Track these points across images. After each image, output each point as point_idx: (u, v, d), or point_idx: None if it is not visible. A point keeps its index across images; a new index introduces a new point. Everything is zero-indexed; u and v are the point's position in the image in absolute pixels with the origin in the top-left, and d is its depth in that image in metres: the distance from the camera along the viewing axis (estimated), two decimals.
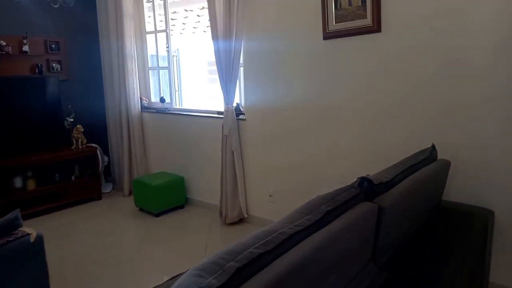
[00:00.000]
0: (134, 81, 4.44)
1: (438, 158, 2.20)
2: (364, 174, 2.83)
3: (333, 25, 2.78)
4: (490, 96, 2.21)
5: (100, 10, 4.58)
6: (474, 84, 2.25)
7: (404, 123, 2.56)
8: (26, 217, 3.90)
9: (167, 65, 4.46)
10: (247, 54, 3.40)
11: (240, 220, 3.67)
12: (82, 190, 4.35)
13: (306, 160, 3.12)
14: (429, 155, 2.10)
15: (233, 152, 3.51)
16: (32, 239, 1.96)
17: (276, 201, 3.43)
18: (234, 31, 3.27)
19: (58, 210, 4.14)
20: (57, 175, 4.21)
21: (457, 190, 2.38)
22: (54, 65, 4.49)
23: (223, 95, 3.50)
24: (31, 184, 4.00)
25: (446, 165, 2.14)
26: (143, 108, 4.62)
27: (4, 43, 4.01)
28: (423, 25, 2.38)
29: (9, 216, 2.04)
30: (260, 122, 3.40)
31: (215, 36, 3.40)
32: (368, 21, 2.60)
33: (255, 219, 3.61)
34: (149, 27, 4.61)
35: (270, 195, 3.46)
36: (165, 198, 3.93)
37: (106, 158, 4.85)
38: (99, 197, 4.51)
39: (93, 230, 3.62)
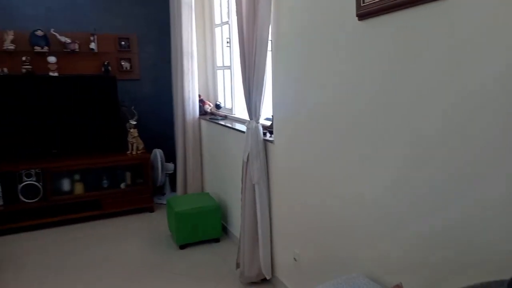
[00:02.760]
0: (190, 82, 3.81)
1: None
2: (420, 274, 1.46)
3: None
4: None
5: (172, 1, 4.10)
6: None
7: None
8: (69, 222, 3.75)
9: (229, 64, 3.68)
10: (276, 48, 2.32)
11: (263, 281, 2.62)
12: (133, 200, 3.99)
13: (347, 215, 1.87)
14: None
15: (254, 186, 2.49)
16: None
17: (301, 267, 2.26)
18: (259, 15, 2.24)
19: (103, 218, 3.88)
20: (106, 181, 3.95)
21: None
22: (123, 63, 4.25)
23: (246, 104, 2.50)
24: (79, 189, 3.82)
25: None
26: (203, 114, 3.97)
27: (69, 40, 3.92)
28: None
29: None
30: (291, 145, 2.26)
31: (240, 24, 2.43)
32: None
33: (282, 287, 2.51)
34: (219, 19, 3.91)
35: (294, 259, 2.31)
36: (193, 228, 3.18)
37: (171, 166, 4.41)
38: (151, 210, 4.09)
39: (106, 248, 3.16)
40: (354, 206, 1.75)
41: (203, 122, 3.88)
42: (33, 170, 3.60)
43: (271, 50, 2.36)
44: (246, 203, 2.54)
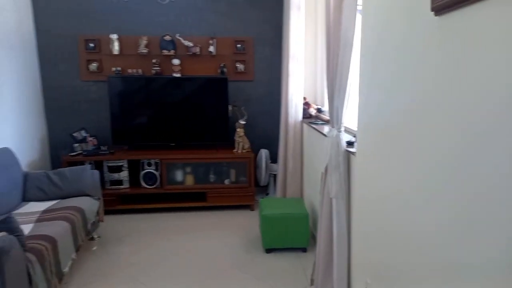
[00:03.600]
0: (294, 84, 3.73)
1: None
2: None
3: None
4: None
5: (285, 3, 4.09)
6: None
7: None
8: (178, 209, 4.12)
9: None
10: (362, 48, 2.06)
11: None
12: (235, 196, 4.15)
13: (432, 258, 1.56)
14: None
15: (331, 200, 2.29)
16: None
17: None
18: (344, 12, 2.04)
19: (206, 210, 4.14)
20: (212, 176, 4.19)
21: None
22: (238, 65, 4.43)
23: (328, 110, 2.31)
24: (189, 180, 4.15)
25: None
26: (307, 117, 3.85)
27: (191, 44, 4.27)
28: None
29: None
30: (375, 159, 1.98)
31: (327, 22, 2.25)
32: None
33: None
34: None
35: None
36: (279, 233, 3.12)
37: (276, 167, 4.42)
38: (251, 208, 4.19)
39: (200, 238, 3.35)
40: (444, 250, 1.43)
41: (305, 126, 3.76)
42: (153, 160, 4.06)
43: (360, 52, 2.12)
44: (323, 217, 2.36)
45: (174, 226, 3.74)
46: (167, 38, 4.24)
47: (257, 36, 4.42)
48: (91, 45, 4.27)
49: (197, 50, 4.29)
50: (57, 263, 2.44)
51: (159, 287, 2.68)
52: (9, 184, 3.05)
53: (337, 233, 2.26)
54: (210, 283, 2.73)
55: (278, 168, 4.05)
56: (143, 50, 4.24)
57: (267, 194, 4.55)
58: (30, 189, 3.16)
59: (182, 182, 4.15)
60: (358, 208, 2.18)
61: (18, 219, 2.73)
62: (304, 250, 3.19)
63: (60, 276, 2.47)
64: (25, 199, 3.14)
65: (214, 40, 4.31)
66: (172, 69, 4.29)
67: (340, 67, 2.09)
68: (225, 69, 4.36)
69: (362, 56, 2.06)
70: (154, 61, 4.26)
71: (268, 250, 3.19)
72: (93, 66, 4.30)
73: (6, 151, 3.19)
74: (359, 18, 2.03)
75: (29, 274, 2.11)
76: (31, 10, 4.17)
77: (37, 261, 2.19)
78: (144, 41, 4.24)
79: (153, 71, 4.27)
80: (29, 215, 2.79)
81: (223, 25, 4.38)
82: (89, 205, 3.12)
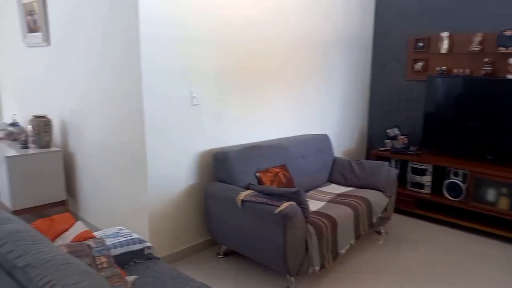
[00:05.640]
0: None
1: None
2: None
3: None
4: None
5: None
6: None
7: None
8: (479, 232, 3.62)
9: None
10: None
11: None
12: None
13: None
14: None
15: None
16: (276, 211, 2.44)
17: None
18: None
19: None
20: None
21: None
22: None
23: None
24: (503, 203, 3.44)
25: None
26: None
27: None
28: None
29: (291, 190, 2.59)
30: None
31: None
32: None
33: None
34: None
35: None
36: None
37: None
38: None
39: (477, 276, 2.76)
40: None
41: None
42: (461, 170, 3.65)
43: None
44: None
45: (469, 250, 3.26)
46: (508, 33, 3.60)
47: None
48: (420, 44, 4.24)
49: None
50: (334, 243, 2.73)
51: None
52: (321, 165, 3.63)
53: None
54: None
55: None
56: (474, 48, 3.80)
57: None
58: (335, 172, 3.63)
59: (493, 203, 3.50)
60: None
61: (318, 195, 3.25)
62: None
63: (335, 255, 2.75)
64: (329, 179, 3.64)
65: None
66: (507, 70, 3.61)
67: None
68: None
69: None
70: (485, 60, 3.74)
71: None
72: (418, 65, 4.28)
73: (324, 137, 3.79)
74: None
75: (306, 243, 2.51)
76: (373, 15, 4.61)
77: (315, 234, 2.54)
78: (477, 38, 3.78)
79: (483, 71, 3.76)
80: (326, 194, 3.24)
81: None
82: (378, 200, 3.23)
